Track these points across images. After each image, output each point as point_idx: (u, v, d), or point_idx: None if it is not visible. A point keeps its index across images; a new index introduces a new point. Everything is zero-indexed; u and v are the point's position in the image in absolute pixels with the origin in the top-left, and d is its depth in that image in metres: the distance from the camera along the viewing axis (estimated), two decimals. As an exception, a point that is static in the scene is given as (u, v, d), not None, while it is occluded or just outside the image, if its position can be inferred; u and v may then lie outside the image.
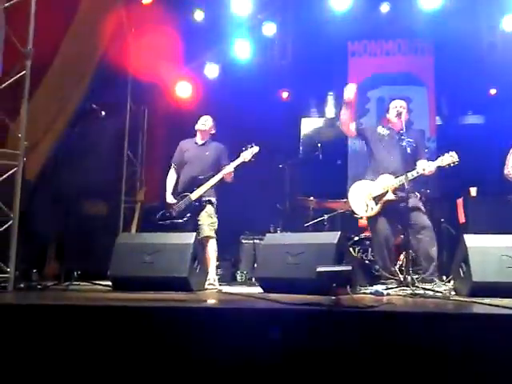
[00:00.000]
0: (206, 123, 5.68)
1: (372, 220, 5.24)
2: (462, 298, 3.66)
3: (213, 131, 5.76)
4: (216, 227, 5.44)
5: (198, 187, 5.41)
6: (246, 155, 5.45)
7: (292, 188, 7.28)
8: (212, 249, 5.36)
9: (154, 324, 2.51)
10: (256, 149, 5.49)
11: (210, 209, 5.44)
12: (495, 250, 3.84)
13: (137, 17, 7.02)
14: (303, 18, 7.90)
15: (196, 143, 5.72)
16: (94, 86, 6.56)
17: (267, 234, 5.18)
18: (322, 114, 9.51)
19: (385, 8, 7.65)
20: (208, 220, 5.39)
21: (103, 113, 6.05)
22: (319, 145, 7.18)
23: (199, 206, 5.42)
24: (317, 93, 9.31)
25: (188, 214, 5.39)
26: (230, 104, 7.77)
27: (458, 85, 8.06)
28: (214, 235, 5.40)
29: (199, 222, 5.39)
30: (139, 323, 2.51)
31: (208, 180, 5.43)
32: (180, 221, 5.39)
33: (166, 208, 5.54)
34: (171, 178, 5.74)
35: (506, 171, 5.76)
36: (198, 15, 7.60)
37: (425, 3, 7.19)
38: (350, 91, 5.22)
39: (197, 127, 5.70)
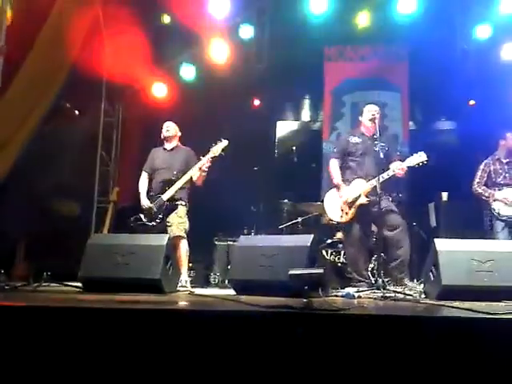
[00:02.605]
0: (169, 129, 5.72)
1: (346, 224, 5.28)
2: (431, 301, 3.70)
3: (179, 134, 5.79)
4: (186, 227, 5.44)
5: (169, 188, 5.41)
6: (215, 150, 5.45)
7: (266, 190, 7.30)
8: (184, 249, 5.35)
9: (125, 326, 2.48)
10: (225, 142, 5.49)
11: (180, 209, 5.45)
12: (465, 254, 3.89)
13: (112, 16, 6.95)
14: (280, 21, 7.94)
15: (165, 149, 5.76)
16: (68, 84, 6.48)
17: (241, 236, 5.17)
18: (297, 117, 9.58)
19: (362, 20, 7.71)
20: (177, 220, 5.40)
21: (77, 112, 6.00)
22: (294, 148, 7.22)
23: (171, 206, 5.42)
24: (292, 96, 9.37)
25: (160, 216, 5.38)
26: (206, 105, 7.77)
27: (432, 91, 8.18)
28: (185, 235, 5.39)
29: (168, 224, 5.39)
30: (109, 325, 2.48)
31: (178, 181, 5.44)
32: (153, 223, 5.37)
33: (140, 211, 5.51)
34: (143, 183, 5.74)
35: (473, 187, 6.01)
36: (166, 18, 7.62)
37: (400, 9, 7.28)
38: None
39: (163, 135, 5.74)
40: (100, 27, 7.15)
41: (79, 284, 4.41)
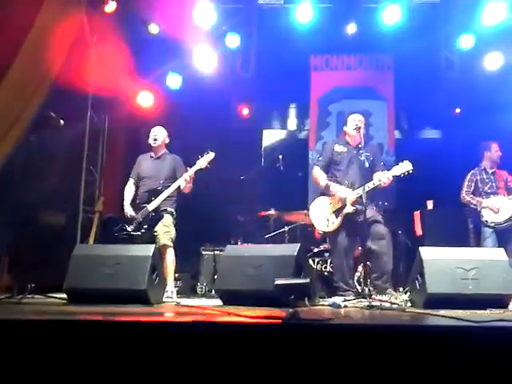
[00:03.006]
0: (157, 137, 5.68)
1: (332, 233, 5.28)
2: (417, 310, 3.72)
3: (167, 141, 5.76)
4: (172, 236, 5.40)
5: (156, 198, 5.38)
6: (202, 162, 5.43)
7: (253, 200, 7.28)
8: (170, 259, 5.32)
9: (111, 338, 2.46)
10: (211, 155, 5.47)
11: (167, 218, 5.41)
12: (450, 263, 3.93)
13: (98, 26, 6.93)
14: (267, 30, 7.96)
15: (152, 157, 5.73)
16: (54, 93, 6.44)
17: (227, 246, 5.16)
18: (283, 126, 9.60)
19: (351, 29, 7.75)
20: (163, 229, 5.36)
21: (62, 121, 5.93)
22: (280, 157, 7.21)
23: (157, 216, 5.38)
24: (279, 105, 9.40)
25: (145, 226, 5.34)
26: (192, 114, 7.76)
27: (417, 100, 8.25)
28: (171, 244, 5.35)
29: (155, 233, 5.35)
30: (95, 338, 2.45)
31: (165, 190, 5.41)
32: (138, 233, 5.33)
33: (124, 220, 5.47)
34: (129, 190, 5.71)
35: (461, 196, 6.16)
36: (154, 29, 7.59)
37: (385, 19, 7.34)
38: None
39: (150, 142, 5.70)
40: (85, 38, 7.12)
41: (64, 295, 4.36)
